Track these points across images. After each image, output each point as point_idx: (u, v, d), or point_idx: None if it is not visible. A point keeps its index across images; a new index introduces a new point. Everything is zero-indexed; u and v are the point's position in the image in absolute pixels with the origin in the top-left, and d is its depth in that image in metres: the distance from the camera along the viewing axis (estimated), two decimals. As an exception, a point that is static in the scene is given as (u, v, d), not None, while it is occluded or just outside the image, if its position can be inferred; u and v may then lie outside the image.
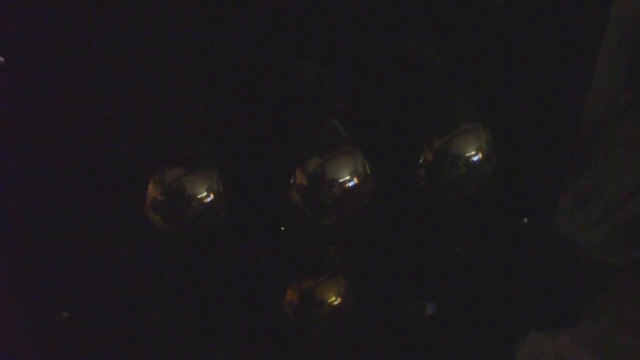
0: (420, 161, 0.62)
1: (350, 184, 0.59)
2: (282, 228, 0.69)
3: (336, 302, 0.67)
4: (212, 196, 0.58)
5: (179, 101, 0.62)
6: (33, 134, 0.59)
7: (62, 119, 0.59)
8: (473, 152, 0.61)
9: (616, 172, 1.18)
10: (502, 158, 0.63)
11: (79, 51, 0.57)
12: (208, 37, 0.60)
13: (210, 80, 0.61)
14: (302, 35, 0.62)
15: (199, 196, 0.58)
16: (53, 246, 0.64)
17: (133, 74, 0.59)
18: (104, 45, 0.58)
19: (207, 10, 0.59)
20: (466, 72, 0.65)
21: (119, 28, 0.57)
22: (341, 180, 0.59)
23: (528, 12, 0.64)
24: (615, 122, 1.23)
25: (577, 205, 1.16)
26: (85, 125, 0.60)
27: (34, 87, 0.57)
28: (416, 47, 0.65)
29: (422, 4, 0.63)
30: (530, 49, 0.66)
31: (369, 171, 0.60)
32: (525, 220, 0.74)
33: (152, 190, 0.58)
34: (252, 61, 0.61)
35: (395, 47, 0.64)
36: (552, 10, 0.65)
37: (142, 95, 0.60)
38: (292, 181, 0.59)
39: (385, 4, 0.62)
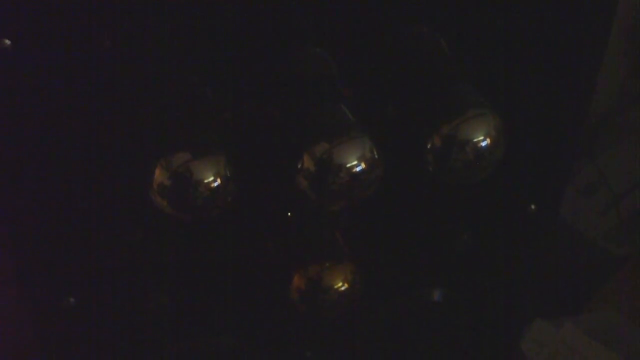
0: (429, 147, 0.62)
1: (358, 169, 0.59)
2: (289, 214, 0.69)
3: (343, 288, 0.67)
4: (218, 181, 0.58)
5: (186, 87, 0.62)
6: (39, 117, 0.59)
7: (68, 103, 0.59)
8: (481, 138, 0.61)
9: (622, 163, 1.18)
10: (510, 145, 0.63)
11: (88, 37, 0.57)
12: (217, 23, 0.59)
13: (218, 66, 0.61)
14: (311, 21, 0.61)
15: (205, 181, 0.58)
16: (57, 231, 0.63)
17: (141, 60, 0.59)
18: (112, 30, 0.57)
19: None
20: (475, 60, 0.65)
21: (127, 14, 0.57)
22: (349, 166, 0.59)
23: (538, 2, 0.64)
24: (622, 113, 1.23)
25: (583, 195, 1.16)
26: (93, 109, 0.60)
27: (40, 70, 0.57)
28: (425, 33, 0.64)
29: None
30: (540, 40, 0.66)
31: (376, 157, 0.59)
32: (533, 207, 0.74)
33: (159, 175, 0.58)
34: (260, 47, 0.61)
35: (403, 33, 0.64)
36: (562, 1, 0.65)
37: (150, 81, 0.60)
38: (299, 166, 0.59)
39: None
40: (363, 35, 0.63)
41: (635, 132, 1.20)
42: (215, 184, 0.58)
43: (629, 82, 1.24)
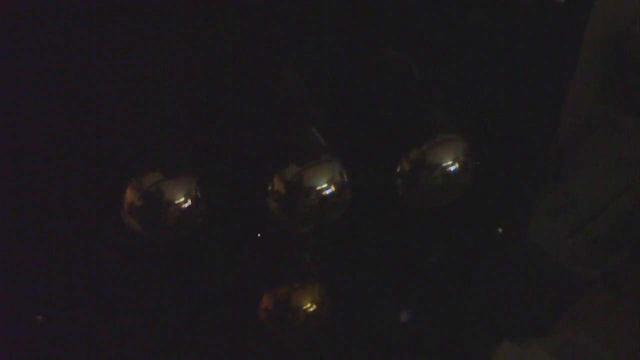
0: (398, 170, 0.62)
1: (328, 192, 0.59)
2: (259, 234, 0.69)
3: (311, 309, 0.68)
4: (189, 202, 0.59)
5: (158, 106, 0.62)
6: (10, 128, 0.59)
7: (42, 120, 0.59)
8: (450, 163, 0.62)
9: (589, 185, 1.19)
10: (479, 168, 0.64)
11: (67, 55, 0.57)
12: (189, 45, 0.60)
13: (190, 87, 0.61)
14: (283, 44, 0.62)
15: (176, 202, 0.58)
16: (28, 248, 0.63)
17: (114, 81, 0.59)
18: (88, 51, 0.58)
19: (188, 18, 0.59)
20: (444, 83, 0.66)
21: (104, 34, 0.57)
22: (318, 189, 0.59)
23: (505, 26, 0.65)
24: (589, 135, 1.24)
25: (550, 217, 1.17)
26: (65, 127, 0.60)
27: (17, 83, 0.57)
28: (395, 58, 0.65)
29: (401, 16, 0.63)
30: (507, 62, 0.67)
31: (346, 180, 0.60)
32: (500, 230, 0.75)
33: (130, 195, 0.58)
34: (232, 68, 0.62)
35: (374, 57, 0.65)
36: (529, 24, 0.66)
37: (122, 100, 0.60)
38: (269, 188, 0.60)
39: (365, 15, 0.63)
40: (334, 58, 0.64)
41: (602, 155, 1.22)
42: (186, 205, 0.59)
43: (596, 104, 1.25)
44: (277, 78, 0.63)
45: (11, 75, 0.57)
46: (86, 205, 0.62)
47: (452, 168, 0.62)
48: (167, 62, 0.60)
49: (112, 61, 0.59)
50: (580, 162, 1.22)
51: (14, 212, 0.62)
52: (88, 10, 0.56)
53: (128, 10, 0.57)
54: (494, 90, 0.67)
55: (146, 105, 0.61)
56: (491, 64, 0.66)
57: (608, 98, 1.25)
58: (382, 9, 0.63)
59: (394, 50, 0.65)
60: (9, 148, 0.59)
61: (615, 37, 1.20)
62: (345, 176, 0.60)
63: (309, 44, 0.62)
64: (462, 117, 0.65)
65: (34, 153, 0.60)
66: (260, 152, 0.62)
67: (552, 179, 1.19)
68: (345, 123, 0.66)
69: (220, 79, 0.62)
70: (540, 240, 1.12)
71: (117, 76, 0.59)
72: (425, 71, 0.65)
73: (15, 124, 0.59)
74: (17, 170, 0.60)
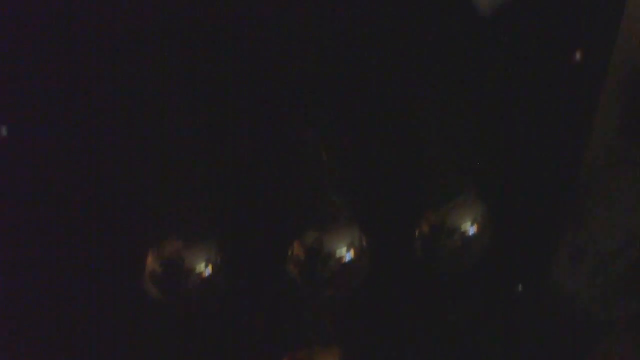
0: (416, 234, 0.63)
1: (347, 257, 0.60)
2: (279, 298, 0.69)
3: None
4: (210, 269, 0.59)
5: (179, 172, 0.62)
6: (31, 193, 0.60)
7: (62, 185, 0.60)
8: (468, 226, 0.62)
9: (611, 224, 1.18)
10: (498, 227, 0.64)
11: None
12: (210, 108, 0.61)
13: (210, 152, 0.62)
14: (304, 106, 0.63)
15: (197, 269, 0.59)
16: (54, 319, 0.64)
17: (133, 147, 0.60)
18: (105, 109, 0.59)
19: (205, 80, 0.60)
20: (462, 140, 0.66)
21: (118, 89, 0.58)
22: (338, 254, 0.60)
23: (524, 83, 0.65)
24: (610, 172, 1.23)
25: (569, 258, 1.17)
26: (84, 194, 0.60)
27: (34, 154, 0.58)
28: (412, 118, 0.66)
29: (418, 76, 0.64)
30: (526, 118, 0.67)
31: (365, 244, 0.60)
32: (520, 287, 0.75)
33: (151, 263, 0.59)
34: (251, 131, 0.62)
35: (392, 119, 0.65)
36: (548, 81, 0.66)
37: (142, 168, 0.61)
38: (289, 253, 0.60)
39: (381, 79, 0.63)
40: (354, 120, 0.64)
41: (624, 192, 1.21)
42: (207, 272, 0.59)
43: (617, 139, 1.24)
44: (296, 141, 0.64)
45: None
46: (109, 272, 0.63)
47: (470, 231, 0.62)
48: (186, 127, 0.61)
49: (135, 127, 0.59)
50: (601, 201, 1.21)
51: (41, 291, 0.62)
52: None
53: (150, 71, 0.58)
54: (515, 145, 0.68)
55: (167, 171, 0.62)
56: (511, 118, 0.67)
57: (629, 132, 1.24)
58: (402, 68, 0.63)
59: (412, 112, 0.65)
60: (37, 218, 0.60)
61: (637, 70, 1.19)
62: (364, 241, 0.60)
63: (329, 107, 0.63)
64: (480, 174, 0.65)
65: (57, 223, 0.60)
66: (280, 216, 0.63)
67: (573, 219, 1.18)
68: (364, 186, 0.66)
69: (240, 143, 0.62)
70: (560, 283, 1.11)
71: (140, 141, 0.60)
72: (444, 129, 0.65)
73: (42, 188, 0.60)
74: (42, 237, 0.61)
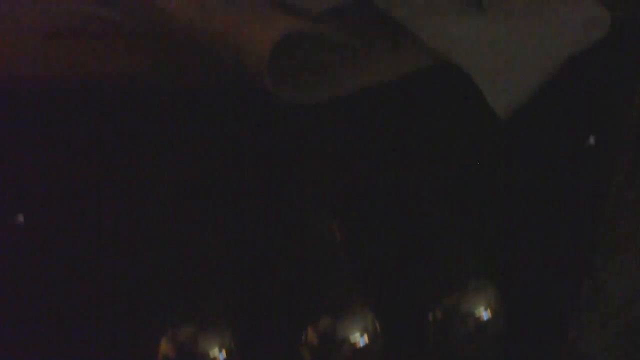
0: (430, 319, 0.63)
1: (361, 344, 0.60)
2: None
3: None
4: (224, 354, 0.59)
5: (192, 257, 0.63)
6: (46, 279, 0.60)
7: (76, 271, 0.60)
8: (482, 311, 0.62)
9: (620, 275, 1.18)
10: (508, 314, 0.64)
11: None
12: (221, 194, 0.61)
13: (224, 237, 0.62)
14: (315, 192, 0.63)
15: (211, 355, 0.59)
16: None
17: (147, 233, 0.61)
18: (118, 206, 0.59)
19: (220, 167, 0.60)
20: (474, 225, 0.67)
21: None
22: (352, 340, 0.60)
23: (538, 169, 0.66)
24: (618, 223, 1.23)
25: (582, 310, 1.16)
26: (99, 280, 0.61)
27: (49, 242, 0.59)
28: (424, 202, 0.66)
29: (426, 162, 0.64)
30: (539, 203, 0.67)
31: (379, 330, 0.60)
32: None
33: (165, 348, 0.59)
34: (263, 217, 0.63)
35: (404, 203, 0.66)
36: (561, 165, 0.66)
37: (155, 251, 0.62)
38: (303, 339, 0.60)
39: (393, 165, 0.64)
40: (366, 205, 0.64)
41: (633, 242, 1.20)
42: (221, 358, 0.59)
43: (626, 191, 1.24)
44: (308, 227, 0.64)
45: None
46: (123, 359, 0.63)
47: (484, 316, 0.62)
48: (199, 213, 0.62)
49: (150, 214, 0.60)
50: (610, 252, 1.21)
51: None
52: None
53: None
54: (529, 229, 0.68)
55: (180, 257, 0.62)
56: (523, 203, 0.67)
57: (637, 184, 1.24)
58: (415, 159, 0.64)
59: (423, 194, 0.66)
60: (52, 304, 0.60)
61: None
62: (378, 326, 0.60)
63: (341, 194, 0.63)
64: (493, 258, 0.65)
65: (72, 309, 0.61)
66: (293, 302, 0.63)
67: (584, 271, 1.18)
68: (376, 271, 0.66)
69: (251, 229, 0.63)
70: (570, 335, 1.10)
71: (154, 228, 0.61)
72: (457, 216, 0.66)
73: (57, 275, 0.60)
74: (57, 322, 0.61)
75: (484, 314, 0.63)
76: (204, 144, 0.59)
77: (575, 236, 0.70)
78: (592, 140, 0.66)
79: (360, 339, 0.60)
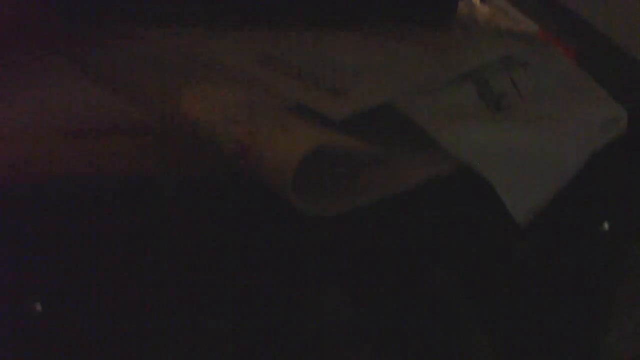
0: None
1: None
2: None
3: None
4: None
5: (200, 342, 0.63)
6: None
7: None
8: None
9: (627, 332, 1.18)
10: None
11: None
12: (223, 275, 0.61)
13: (230, 320, 0.63)
14: (326, 277, 0.63)
15: None
16: None
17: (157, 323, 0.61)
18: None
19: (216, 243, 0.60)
20: (489, 311, 0.67)
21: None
22: None
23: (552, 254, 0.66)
24: (625, 279, 1.23)
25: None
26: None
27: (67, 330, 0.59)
28: (439, 290, 0.66)
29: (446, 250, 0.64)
30: (554, 289, 0.67)
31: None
32: None
33: None
34: (272, 296, 0.63)
35: (419, 288, 0.66)
36: (575, 250, 0.66)
37: (167, 341, 0.62)
38: None
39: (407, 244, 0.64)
40: (378, 286, 0.65)
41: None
42: None
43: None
44: (319, 305, 0.65)
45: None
46: None
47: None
48: (201, 301, 0.62)
49: (164, 306, 0.60)
50: (621, 308, 1.21)
51: None
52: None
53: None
54: (542, 316, 0.68)
55: (190, 342, 0.63)
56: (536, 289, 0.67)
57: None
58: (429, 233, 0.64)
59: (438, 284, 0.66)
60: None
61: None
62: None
63: (353, 279, 0.64)
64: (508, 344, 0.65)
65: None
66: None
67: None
68: (387, 347, 0.66)
69: (257, 306, 0.63)
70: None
71: (164, 323, 0.61)
72: (471, 298, 0.66)
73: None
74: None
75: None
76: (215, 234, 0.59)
77: (587, 324, 0.70)
78: (606, 226, 0.66)
79: None
